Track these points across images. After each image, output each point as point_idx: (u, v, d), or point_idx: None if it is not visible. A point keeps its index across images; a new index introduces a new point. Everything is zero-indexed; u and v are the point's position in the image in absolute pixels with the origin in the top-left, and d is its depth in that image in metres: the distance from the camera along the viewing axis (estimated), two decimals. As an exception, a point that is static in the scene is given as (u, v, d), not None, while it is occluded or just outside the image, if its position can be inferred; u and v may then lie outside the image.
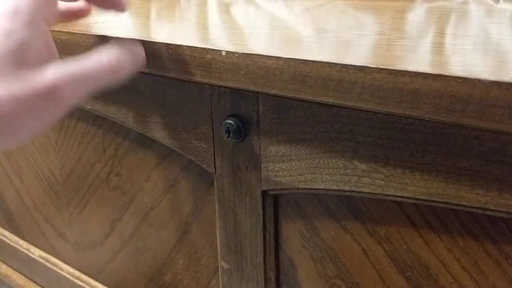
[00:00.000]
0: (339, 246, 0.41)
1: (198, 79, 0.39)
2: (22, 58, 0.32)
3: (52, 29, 0.50)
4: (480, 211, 0.31)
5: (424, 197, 0.33)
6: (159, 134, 0.48)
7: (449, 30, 0.44)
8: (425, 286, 0.37)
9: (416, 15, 0.54)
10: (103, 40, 0.44)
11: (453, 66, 0.30)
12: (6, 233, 0.81)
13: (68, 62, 0.34)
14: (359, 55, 0.34)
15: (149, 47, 0.41)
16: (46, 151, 0.65)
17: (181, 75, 0.40)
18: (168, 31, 0.49)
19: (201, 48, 0.38)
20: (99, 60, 0.35)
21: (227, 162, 0.43)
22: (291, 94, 0.34)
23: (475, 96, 0.27)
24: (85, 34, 0.46)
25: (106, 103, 0.51)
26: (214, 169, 0.45)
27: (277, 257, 0.45)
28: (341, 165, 0.36)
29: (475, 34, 0.42)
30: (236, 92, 0.40)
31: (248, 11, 0.62)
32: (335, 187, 0.37)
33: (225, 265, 0.48)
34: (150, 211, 0.56)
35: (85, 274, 0.70)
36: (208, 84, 0.41)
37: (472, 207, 0.31)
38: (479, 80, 0.26)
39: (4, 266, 0.84)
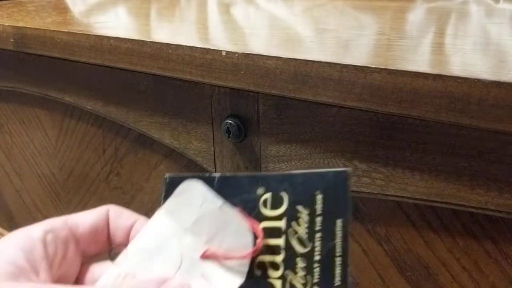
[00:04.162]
0: (339, 246, 0.41)
1: (198, 79, 0.39)
2: None
3: (51, 29, 0.50)
4: (480, 211, 0.31)
5: (424, 197, 0.33)
6: (159, 134, 0.48)
7: (449, 30, 0.44)
8: (425, 286, 0.37)
9: (416, 15, 0.54)
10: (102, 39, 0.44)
11: (453, 66, 0.30)
12: (6, 233, 0.81)
13: None
14: (359, 55, 0.34)
15: (149, 47, 0.41)
16: (46, 151, 0.65)
17: (181, 75, 0.40)
18: (168, 31, 0.49)
19: (201, 48, 0.38)
20: None
21: (227, 162, 0.43)
22: (291, 94, 0.34)
23: (475, 96, 0.27)
24: (85, 34, 0.46)
25: (106, 103, 0.51)
26: (214, 169, 0.45)
27: (277, 257, 0.45)
28: (341, 165, 0.36)
29: (475, 34, 0.42)
30: (236, 92, 0.40)
31: (248, 11, 0.62)
32: (335, 187, 0.37)
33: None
34: (150, 211, 0.56)
35: (85, 274, 0.70)
36: (208, 84, 0.41)
37: (472, 207, 0.31)
38: (479, 80, 0.26)
39: (4, 266, 0.84)
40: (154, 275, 0.26)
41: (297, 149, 0.38)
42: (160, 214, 0.28)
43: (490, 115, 0.26)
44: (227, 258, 0.25)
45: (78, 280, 0.29)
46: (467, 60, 0.32)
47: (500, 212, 0.30)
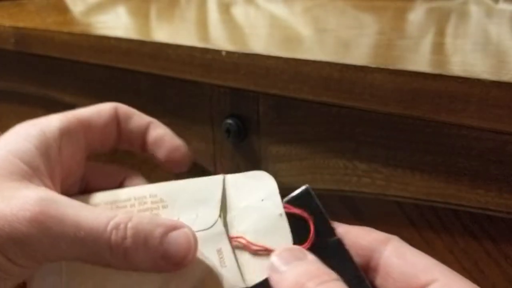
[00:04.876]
0: (339, 246, 0.41)
1: (198, 79, 0.39)
2: None
3: (51, 29, 0.50)
4: (480, 211, 0.31)
5: (424, 197, 0.33)
6: (159, 134, 0.48)
7: (449, 30, 0.44)
8: (425, 286, 0.37)
9: (416, 15, 0.54)
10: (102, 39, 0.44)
11: (453, 66, 0.30)
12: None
13: None
14: (359, 55, 0.34)
15: (149, 47, 0.41)
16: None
17: (181, 75, 0.40)
18: (168, 31, 0.49)
19: (201, 48, 0.38)
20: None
21: (227, 162, 0.43)
22: (291, 94, 0.34)
23: (475, 96, 0.27)
24: (85, 34, 0.46)
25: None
26: (214, 169, 0.45)
27: (277, 257, 0.45)
28: (341, 165, 0.36)
29: (475, 34, 0.42)
30: (236, 92, 0.40)
31: (248, 11, 0.62)
32: (335, 187, 0.37)
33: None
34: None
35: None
36: (208, 84, 0.41)
37: (472, 207, 0.31)
38: (479, 80, 0.26)
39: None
40: (173, 219, 0.25)
41: (297, 149, 0.38)
42: (222, 178, 0.27)
43: (490, 115, 0.26)
44: (264, 250, 0.24)
45: (84, 178, 0.29)
46: (467, 60, 0.32)
47: (500, 212, 0.30)
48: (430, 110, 0.28)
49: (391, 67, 0.29)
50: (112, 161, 0.57)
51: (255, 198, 0.26)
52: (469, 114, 0.27)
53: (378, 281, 0.23)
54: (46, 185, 0.24)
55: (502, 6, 0.59)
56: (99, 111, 0.28)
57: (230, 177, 0.27)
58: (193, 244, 0.23)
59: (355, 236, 0.25)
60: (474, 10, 0.56)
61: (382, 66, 0.29)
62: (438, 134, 0.31)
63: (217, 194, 0.26)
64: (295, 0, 0.70)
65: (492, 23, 0.48)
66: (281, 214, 0.25)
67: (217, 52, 0.36)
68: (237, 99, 0.40)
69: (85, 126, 0.27)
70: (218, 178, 0.27)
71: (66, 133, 0.26)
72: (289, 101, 0.37)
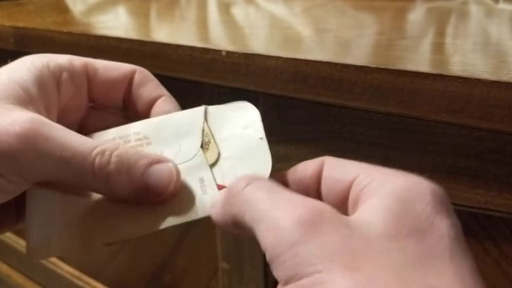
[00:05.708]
0: (339, 246, 0.40)
1: (198, 79, 0.39)
2: None
3: (51, 29, 0.50)
4: (480, 211, 0.31)
5: (424, 197, 0.33)
6: (159, 134, 0.48)
7: (449, 30, 0.44)
8: (425, 286, 0.37)
9: (416, 15, 0.54)
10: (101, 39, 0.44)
11: (453, 66, 0.30)
12: (11, 235, 0.81)
13: None
14: (359, 55, 0.34)
15: (149, 47, 0.41)
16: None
17: (181, 75, 0.40)
18: (168, 31, 0.49)
19: (201, 48, 0.38)
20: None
21: (227, 162, 0.43)
22: (292, 94, 0.34)
23: (475, 96, 0.27)
24: (85, 34, 0.46)
25: (106, 103, 0.51)
26: (214, 169, 0.45)
27: (277, 257, 0.45)
28: (341, 165, 0.36)
29: (475, 34, 0.42)
30: (236, 92, 0.40)
31: (248, 11, 0.62)
32: (335, 187, 0.37)
33: (225, 265, 0.48)
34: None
35: (85, 274, 0.70)
36: (208, 84, 0.41)
37: (472, 207, 0.31)
38: (479, 80, 0.26)
39: (4, 266, 0.84)
40: (156, 154, 0.25)
41: (297, 149, 0.38)
42: (203, 109, 0.28)
43: (490, 115, 0.26)
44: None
45: (83, 123, 0.29)
46: (467, 60, 0.32)
47: (500, 212, 0.30)
48: (430, 110, 0.28)
49: (391, 67, 0.29)
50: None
51: (237, 127, 0.27)
52: (469, 114, 0.27)
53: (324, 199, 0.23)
54: (40, 113, 0.24)
55: (502, 6, 0.59)
56: (116, 67, 0.29)
57: (212, 108, 0.28)
58: (175, 178, 0.24)
59: (300, 178, 0.25)
60: (474, 10, 0.56)
61: (382, 66, 0.29)
62: (438, 134, 0.31)
63: (199, 125, 0.27)
64: (295, 0, 0.70)
65: (492, 23, 0.48)
66: (261, 138, 0.27)
67: (217, 52, 0.36)
68: (237, 99, 0.40)
69: (90, 72, 0.28)
70: (200, 109, 0.28)
71: (69, 71, 0.27)
72: (289, 101, 0.37)
